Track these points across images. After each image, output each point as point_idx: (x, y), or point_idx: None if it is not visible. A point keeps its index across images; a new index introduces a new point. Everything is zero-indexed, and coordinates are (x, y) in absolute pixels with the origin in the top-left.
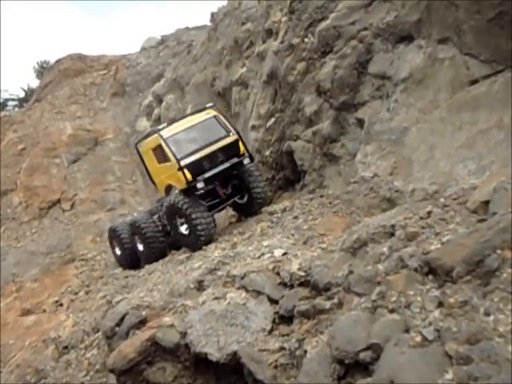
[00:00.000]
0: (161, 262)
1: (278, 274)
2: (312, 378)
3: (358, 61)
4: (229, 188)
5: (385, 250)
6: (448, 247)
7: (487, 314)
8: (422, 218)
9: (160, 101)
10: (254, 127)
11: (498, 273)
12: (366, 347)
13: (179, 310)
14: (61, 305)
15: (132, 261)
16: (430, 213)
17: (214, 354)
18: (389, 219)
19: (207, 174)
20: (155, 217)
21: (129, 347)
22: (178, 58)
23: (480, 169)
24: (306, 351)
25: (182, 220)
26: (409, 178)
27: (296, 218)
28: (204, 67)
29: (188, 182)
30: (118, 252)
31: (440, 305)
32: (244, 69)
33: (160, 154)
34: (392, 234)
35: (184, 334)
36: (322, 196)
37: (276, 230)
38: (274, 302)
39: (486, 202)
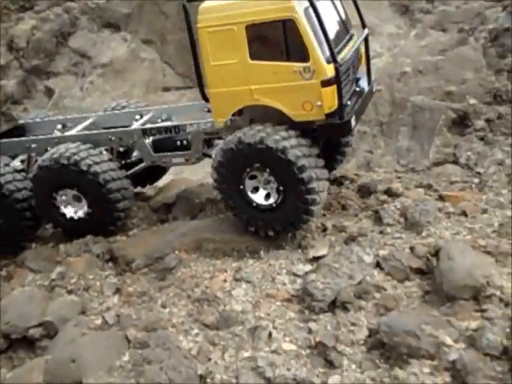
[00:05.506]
0: None
1: None
2: None
3: (60, 30)
4: None
5: None
6: (133, 240)
7: (163, 306)
8: None
9: None
10: None
11: (174, 271)
12: (37, 324)
13: None
14: None
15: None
16: None
17: None
18: None
19: (349, 104)
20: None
21: None
22: None
23: None
24: None
25: (271, 178)
26: None
27: None
28: None
29: (340, 110)
30: None
31: (117, 291)
32: None
33: (277, 40)
34: None
35: None
36: None
37: None
38: None
39: (168, 205)
